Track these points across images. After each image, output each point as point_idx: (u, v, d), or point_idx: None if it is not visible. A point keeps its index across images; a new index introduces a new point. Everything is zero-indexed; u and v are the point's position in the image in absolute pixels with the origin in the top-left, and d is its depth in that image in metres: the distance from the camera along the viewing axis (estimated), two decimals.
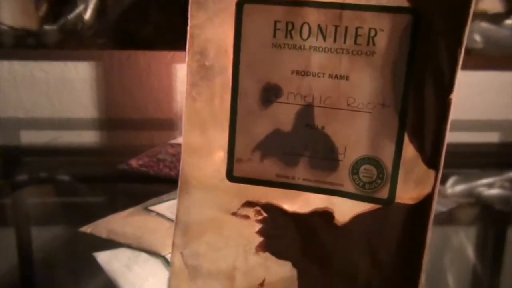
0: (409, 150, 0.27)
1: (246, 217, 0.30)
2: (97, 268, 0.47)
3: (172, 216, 0.55)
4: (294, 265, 0.30)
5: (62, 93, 0.87)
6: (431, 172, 0.27)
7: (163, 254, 0.48)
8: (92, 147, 0.90)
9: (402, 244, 0.28)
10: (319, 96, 0.27)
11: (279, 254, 0.30)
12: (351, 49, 0.27)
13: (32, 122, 0.88)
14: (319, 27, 0.27)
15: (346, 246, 0.29)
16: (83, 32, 0.81)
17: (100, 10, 0.81)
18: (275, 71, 0.28)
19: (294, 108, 0.28)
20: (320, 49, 0.27)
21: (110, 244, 0.50)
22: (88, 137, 0.90)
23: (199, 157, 0.30)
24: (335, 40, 0.27)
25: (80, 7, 0.81)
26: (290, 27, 0.27)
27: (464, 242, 0.59)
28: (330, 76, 0.27)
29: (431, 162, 0.27)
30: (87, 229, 0.53)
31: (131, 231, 0.52)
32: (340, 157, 0.28)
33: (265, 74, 0.28)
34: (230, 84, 0.29)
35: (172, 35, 0.83)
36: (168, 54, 0.88)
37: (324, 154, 0.28)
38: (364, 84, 0.27)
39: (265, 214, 0.30)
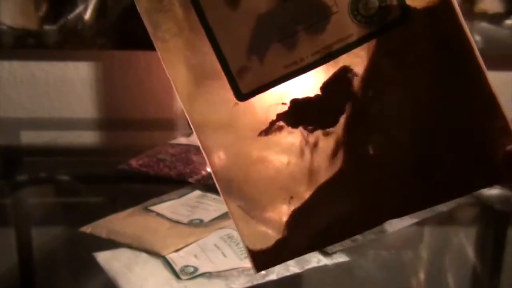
0: None
1: (280, 128, 0.27)
2: (97, 268, 0.47)
3: (172, 216, 0.55)
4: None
5: (62, 93, 0.87)
6: None
7: (163, 254, 0.48)
8: (92, 147, 0.90)
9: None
10: None
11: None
12: None
13: (32, 122, 0.88)
14: None
15: (382, 98, 0.26)
16: (83, 32, 0.81)
17: (100, 10, 0.81)
18: None
19: None
20: None
21: (110, 244, 0.50)
22: (88, 137, 0.90)
23: (201, 99, 0.27)
24: None
25: (80, 7, 0.80)
26: None
27: (464, 242, 0.59)
28: None
29: None
30: (87, 229, 0.53)
31: (131, 231, 0.52)
32: (333, 8, 0.25)
33: None
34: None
35: None
36: None
37: (317, 16, 0.25)
38: None
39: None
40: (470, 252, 0.58)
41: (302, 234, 0.27)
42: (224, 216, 0.55)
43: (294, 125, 0.27)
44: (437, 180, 0.26)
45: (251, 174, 0.28)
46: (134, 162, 0.70)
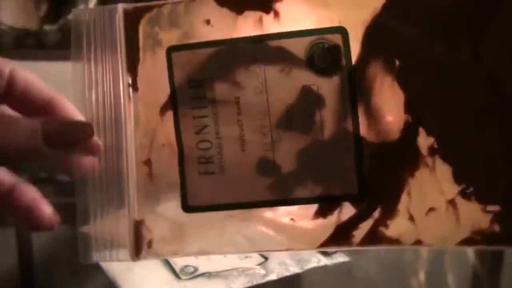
0: None
1: None
2: (97, 268, 0.47)
3: None
4: None
5: (62, 93, 0.87)
6: None
7: None
8: None
9: None
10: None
11: None
12: None
13: None
14: None
15: None
16: None
17: None
18: None
19: None
20: None
21: None
22: None
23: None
24: None
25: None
26: None
27: None
28: None
29: None
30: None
31: None
32: (314, 88, 0.25)
33: None
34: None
35: None
36: None
37: (307, 108, 0.25)
38: None
39: None
40: (470, 252, 0.58)
41: None
42: None
43: None
44: None
45: None
46: None
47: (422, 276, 0.54)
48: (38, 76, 0.30)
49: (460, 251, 0.57)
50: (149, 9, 0.26)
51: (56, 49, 0.81)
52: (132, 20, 0.26)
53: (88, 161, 0.25)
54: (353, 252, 0.51)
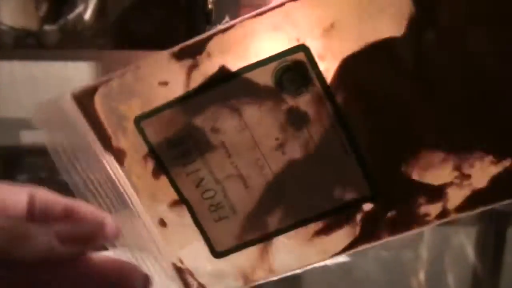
0: None
1: None
2: None
3: None
4: None
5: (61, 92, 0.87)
6: None
7: None
8: None
9: None
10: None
11: None
12: None
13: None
14: None
15: None
16: (83, 32, 0.81)
17: (100, 10, 0.81)
18: None
19: None
20: None
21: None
22: None
23: None
24: None
25: (80, 7, 0.81)
26: None
27: (464, 242, 0.59)
28: None
29: None
30: None
31: None
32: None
33: None
34: None
35: (172, 35, 0.83)
36: None
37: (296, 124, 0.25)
38: None
39: None
40: (470, 252, 0.58)
41: None
42: None
43: None
44: None
45: None
46: None
47: (422, 276, 0.54)
48: (38, 76, 0.30)
49: (460, 251, 0.57)
50: (96, 87, 0.25)
51: (56, 49, 0.81)
52: (85, 103, 0.25)
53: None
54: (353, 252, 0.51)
